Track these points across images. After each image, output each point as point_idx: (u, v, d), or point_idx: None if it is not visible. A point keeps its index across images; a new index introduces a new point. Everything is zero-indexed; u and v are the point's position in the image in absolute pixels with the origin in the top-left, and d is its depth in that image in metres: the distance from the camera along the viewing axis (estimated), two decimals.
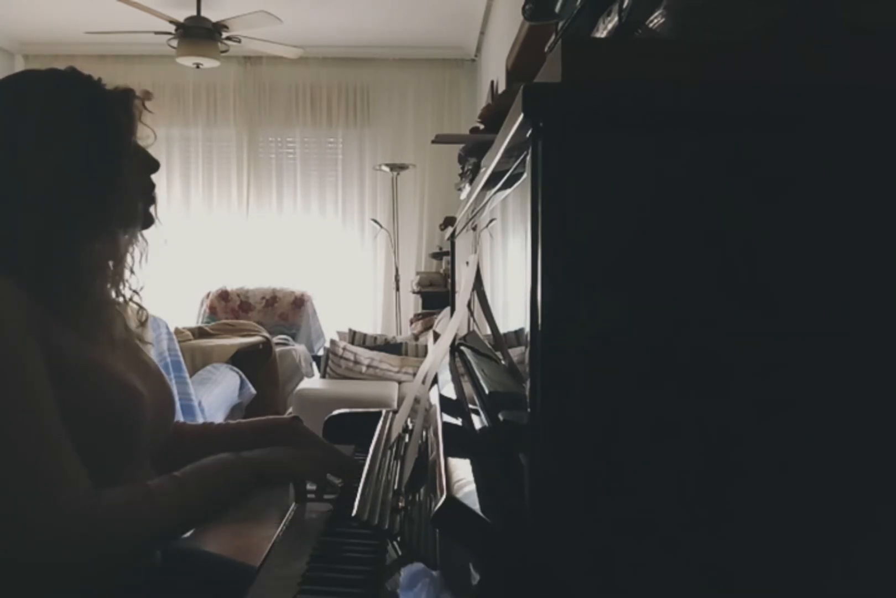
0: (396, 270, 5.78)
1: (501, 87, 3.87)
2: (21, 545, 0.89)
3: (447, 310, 3.67)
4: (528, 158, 0.65)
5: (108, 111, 1.06)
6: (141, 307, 1.17)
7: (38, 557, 0.89)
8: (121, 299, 1.13)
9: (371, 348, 4.08)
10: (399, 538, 0.91)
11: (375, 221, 5.86)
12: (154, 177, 1.14)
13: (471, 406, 1.08)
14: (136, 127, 1.09)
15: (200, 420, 2.94)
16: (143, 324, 1.18)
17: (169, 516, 0.98)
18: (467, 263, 1.45)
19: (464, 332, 1.53)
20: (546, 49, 1.09)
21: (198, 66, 4.88)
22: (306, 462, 1.17)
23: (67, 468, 0.92)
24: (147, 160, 1.11)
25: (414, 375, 3.49)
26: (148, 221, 1.12)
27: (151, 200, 1.12)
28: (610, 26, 0.77)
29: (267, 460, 1.13)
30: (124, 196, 1.06)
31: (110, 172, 1.04)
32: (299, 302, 5.71)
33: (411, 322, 5.31)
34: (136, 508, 0.96)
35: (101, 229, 1.04)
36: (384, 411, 1.57)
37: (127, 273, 1.11)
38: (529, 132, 0.63)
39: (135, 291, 1.14)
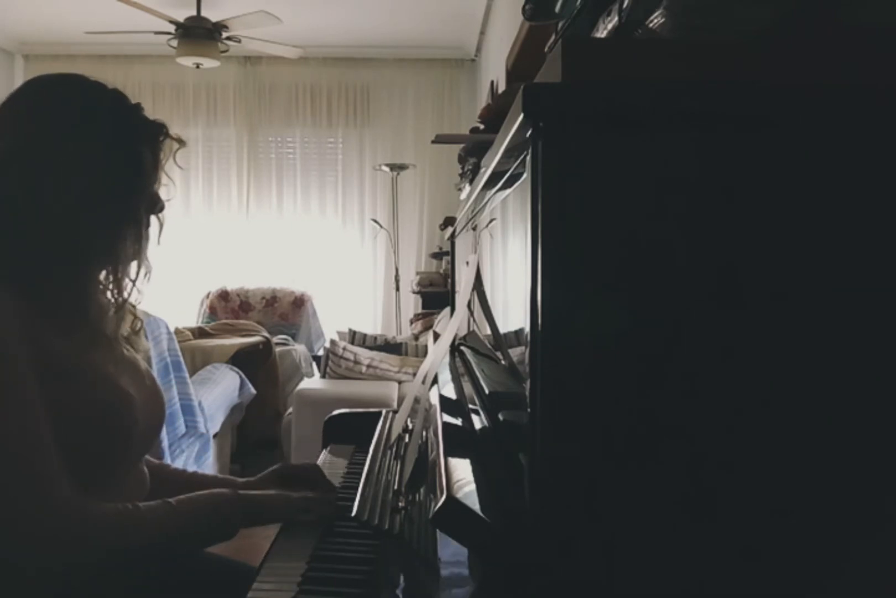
0: (396, 270, 5.77)
1: (501, 87, 3.86)
2: (8, 546, 0.89)
3: (447, 310, 3.67)
4: (528, 158, 0.65)
5: (138, 150, 1.07)
6: (136, 317, 1.18)
7: (24, 559, 0.90)
8: (114, 308, 1.14)
9: (371, 348, 4.07)
10: (399, 538, 0.91)
11: (375, 221, 5.85)
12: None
13: (471, 406, 1.08)
14: (160, 172, 1.10)
15: (200, 420, 2.94)
16: (136, 333, 1.18)
17: (152, 538, 0.99)
18: (467, 263, 1.45)
19: (464, 332, 1.53)
20: (546, 49, 1.09)
21: (198, 66, 4.88)
22: (302, 505, 1.15)
23: (54, 473, 0.92)
24: (157, 201, 1.12)
25: (414, 375, 3.48)
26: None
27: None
28: (610, 26, 0.77)
29: (264, 502, 1.12)
30: (132, 234, 1.07)
31: (124, 206, 1.06)
32: (299, 302, 5.71)
33: (411, 322, 5.31)
34: (123, 523, 0.96)
35: (103, 251, 1.06)
36: (384, 411, 1.57)
37: (124, 284, 1.12)
38: (529, 132, 0.63)
39: (131, 304, 1.16)
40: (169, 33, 4.69)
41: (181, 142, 1.12)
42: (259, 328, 4.57)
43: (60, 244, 1.02)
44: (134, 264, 1.11)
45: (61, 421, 0.97)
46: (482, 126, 1.88)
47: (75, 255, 1.04)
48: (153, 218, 1.13)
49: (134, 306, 1.16)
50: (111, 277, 1.08)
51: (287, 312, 5.67)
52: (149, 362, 2.58)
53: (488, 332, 1.19)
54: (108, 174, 1.03)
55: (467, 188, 1.75)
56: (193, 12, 4.65)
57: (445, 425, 0.97)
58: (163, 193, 1.14)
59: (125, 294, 1.11)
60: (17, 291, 0.98)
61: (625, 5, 0.74)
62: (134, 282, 1.12)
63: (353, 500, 1.04)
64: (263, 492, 1.14)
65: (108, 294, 1.10)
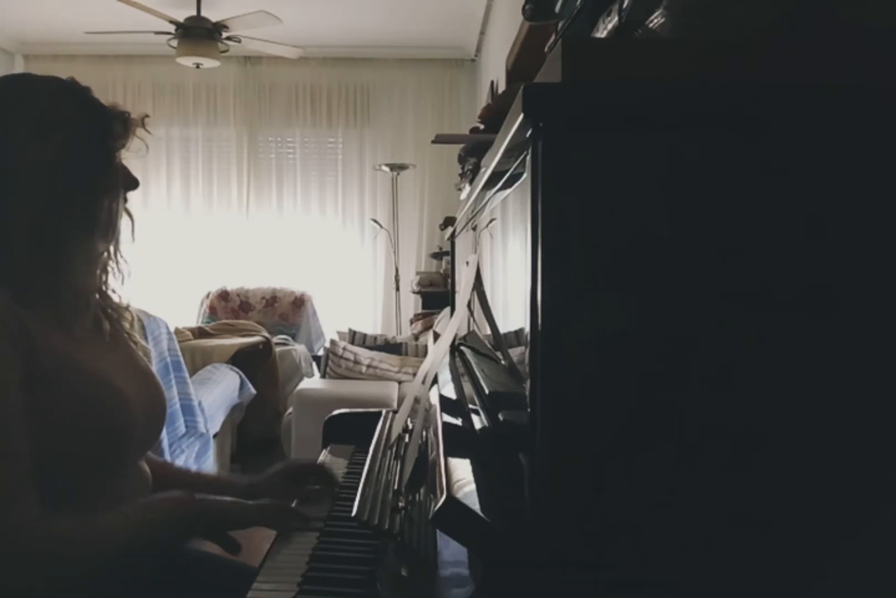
0: (396, 270, 5.77)
1: (501, 87, 3.86)
2: None
3: (447, 310, 3.67)
4: (528, 158, 0.65)
5: (106, 115, 1.08)
6: (121, 305, 1.18)
7: None
8: (111, 305, 1.14)
9: (371, 348, 4.07)
10: (399, 538, 0.91)
11: (375, 221, 5.85)
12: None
13: (471, 406, 1.08)
14: (129, 138, 1.10)
15: (200, 420, 2.94)
16: (132, 324, 1.19)
17: (109, 550, 0.98)
18: (467, 263, 1.45)
19: (464, 332, 1.53)
20: (546, 49, 1.09)
21: (198, 66, 4.88)
22: (267, 511, 1.14)
23: (20, 489, 0.92)
24: (128, 177, 1.13)
25: (414, 375, 3.48)
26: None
27: (125, 213, 1.14)
28: (610, 26, 0.77)
29: (224, 506, 1.12)
30: (110, 196, 1.08)
31: (101, 170, 1.06)
32: (299, 302, 5.71)
33: (411, 322, 5.31)
34: (77, 539, 0.96)
35: (85, 225, 1.06)
36: (384, 411, 1.57)
37: (112, 281, 1.12)
38: (529, 132, 0.63)
39: (119, 305, 1.16)
40: (169, 33, 4.69)
41: (147, 118, 1.13)
42: (259, 328, 4.57)
43: (41, 217, 1.01)
44: (114, 260, 1.12)
45: (51, 421, 0.96)
46: (482, 126, 1.88)
47: (56, 228, 1.02)
48: (128, 213, 1.13)
49: (115, 290, 1.17)
50: (91, 258, 1.08)
51: (287, 312, 5.67)
52: (148, 361, 2.58)
53: (488, 332, 1.19)
54: (80, 140, 1.04)
55: (467, 188, 1.75)
56: (193, 12, 4.65)
57: (445, 425, 0.97)
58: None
59: (109, 279, 1.11)
60: (4, 281, 0.99)
61: (625, 5, 0.73)
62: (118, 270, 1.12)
63: (353, 500, 1.04)
64: (221, 499, 1.13)
65: (94, 280, 1.11)
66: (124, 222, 1.13)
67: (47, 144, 1.02)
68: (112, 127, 1.08)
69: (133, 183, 1.14)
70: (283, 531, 1.13)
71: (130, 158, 1.14)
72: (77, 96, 1.07)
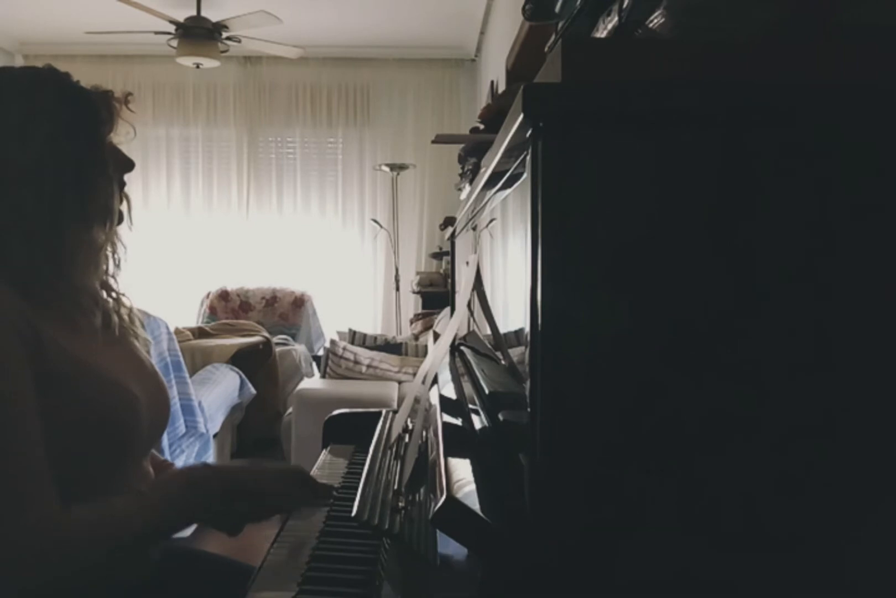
0: (396, 270, 5.77)
1: (501, 87, 3.86)
2: None
3: (447, 310, 3.67)
4: (528, 158, 0.65)
5: (89, 102, 1.06)
6: (119, 297, 1.18)
7: (3, 573, 0.89)
8: (111, 295, 1.14)
9: (371, 348, 4.07)
10: (399, 538, 0.91)
11: (375, 221, 5.85)
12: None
13: (471, 406, 1.08)
14: (115, 121, 1.09)
15: (200, 420, 2.94)
16: (131, 320, 1.18)
17: (131, 532, 0.98)
18: (467, 263, 1.45)
19: (464, 332, 1.53)
20: (546, 49, 1.09)
21: (198, 66, 4.88)
22: (284, 478, 1.14)
23: (38, 487, 0.92)
24: (122, 159, 1.12)
25: (414, 375, 3.48)
26: (119, 218, 1.12)
27: (123, 197, 1.13)
28: (610, 26, 0.77)
29: (238, 471, 1.12)
30: (103, 185, 1.06)
31: (90, 160, 1.05)
32: (299, 302, 5.71)
33: (411, 322, 5.31)
34: (98, 526, 0.96)
35: (83, 218, 1.05)
36: (384, 411, 1.57)
37: (111, 268, 1.12)
38: (529, 132, 0.64)
39: (118, 293, 1.15)
40: (169, 33, 4.69)
41: (130, 96, 1.11)
42: (259, 328, 4.58)
43: (36, 207, 1.00)
44: (112, 252, 1.11)
45: (57, 419, 0.96)
46: (482, 126, 1.88)
47: (53, 217, 1.01)
48: (126, 197, 1.12)
49: (119, 292, 1.16)
50: (93, 251, 1.07)
51: (287, 312, 5.67)
52: (148, 355, 2.58)
53: (488, 332, 1.19)
54: (66, 127, 1.03)
55: (467, 188, 1.75)
56: (193, 12, 4.65)
57: (445, 425, 0.97)
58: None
59: (111, 266, 1.10)
60: (10, 278, 0.98)
61: (625, 5, 0.74)
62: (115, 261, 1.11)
63: (353, 500, 1.04)
64: (235, 465, 1.13)
65: (100, 273, 1.10)
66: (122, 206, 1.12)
67: (31, 141, 1.00)
68: (96, 111, 1.06)
69: (128, 165, 1.12)
70: (297, 503, 1.12)
71: (121, 141, 1.12)
72: (56, 85, 1.05)
